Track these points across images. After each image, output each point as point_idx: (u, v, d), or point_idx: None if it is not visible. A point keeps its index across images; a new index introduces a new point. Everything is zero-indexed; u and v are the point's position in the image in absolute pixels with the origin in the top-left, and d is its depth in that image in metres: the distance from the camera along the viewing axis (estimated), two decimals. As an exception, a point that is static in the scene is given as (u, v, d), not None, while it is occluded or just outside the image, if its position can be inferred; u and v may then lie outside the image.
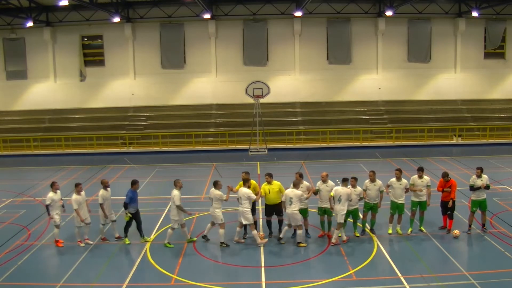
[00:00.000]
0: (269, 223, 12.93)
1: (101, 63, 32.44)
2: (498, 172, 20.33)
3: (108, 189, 12.95)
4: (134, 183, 12.80)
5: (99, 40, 32.41)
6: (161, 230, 13.63)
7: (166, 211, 15.51)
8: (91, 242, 12.46)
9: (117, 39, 31.72)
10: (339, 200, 11.87)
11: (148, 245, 12.38)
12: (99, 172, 22.73)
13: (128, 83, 32.28)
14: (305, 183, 12.64)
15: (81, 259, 11.47)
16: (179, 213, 12.26)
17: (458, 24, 31.43)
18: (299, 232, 12.06)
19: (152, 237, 13.06)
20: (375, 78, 32.34)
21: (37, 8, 29.30)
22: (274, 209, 12.57)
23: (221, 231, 12.24)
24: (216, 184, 12.32)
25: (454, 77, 32.50)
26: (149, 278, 10.52)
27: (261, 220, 13.89)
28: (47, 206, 12.48)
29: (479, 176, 12.63)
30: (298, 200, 11.87)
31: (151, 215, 15.19)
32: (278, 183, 12.59)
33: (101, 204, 12.60)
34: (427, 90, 32.55)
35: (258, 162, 24.37)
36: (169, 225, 12.57)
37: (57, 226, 12.51)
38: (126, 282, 10.19)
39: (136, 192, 12.69)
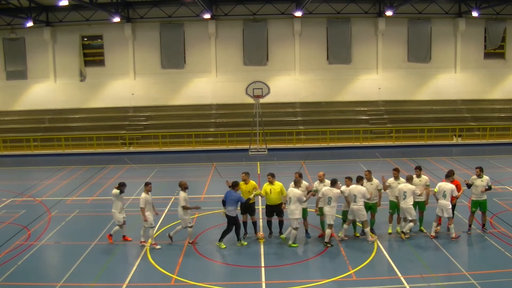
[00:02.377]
0: (269, 224, 12.91)
1: (101, 63, 32.44)
2: (498, 172, 20.33)
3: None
4: (235, 185, 12.28)
5: (99, 40, 32.41)
6: (161, 230, 13.61)
7: (166, 211, 15.51)
8: (158, 247, 12.14)
9: (117, 39, 31.72)
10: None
11: (148, 245, 12.36)
12: (99, 172, 22.74)
13: (128, 83, 32.28)
14: (304, 182, 12.64)
15: (81, 259, 11.47)
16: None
17: (458, 24, 31.44)
18: (293, 232, 12.07)
19: (155, 235, 13.02)
20: (375, 78, 32.35)
21: (37, 8, 29.30)
22: (275, 209, 12.56)
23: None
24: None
25: (454, 77, 32.50)
26: (149, 278, 10.51)
27: (261, 220, 13.88)
28: (142, 209, 12.05)
29: (479, 176, 12.63)
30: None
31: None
32: (280, 184, 12.57)
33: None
34: (427, 90, 32.55)
35: (258, 162, 24.39)
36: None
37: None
38: (126, 282, 10.19)
39: (231, 192, 12.15)
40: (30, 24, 27.46)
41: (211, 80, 32.23)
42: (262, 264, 11.09)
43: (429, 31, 31.86)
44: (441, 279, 9.95)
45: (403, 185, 12.30)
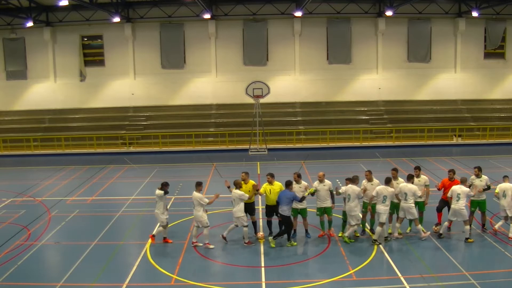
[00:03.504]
0: (269, 224, 12.90)
1: (101, 63, 32.44)
2: (498, 172, 20.25)
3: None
4: (289, 183, 12.21)
5: (99, 40, 32.41)
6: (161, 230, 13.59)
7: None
8: (212, 247, 12.11)
9: (117, 39, 31.71)
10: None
11: (148, 245, 12.37)
12: (99, 172, 22.73)
13: (128, 83, 32.28)
14: (303, 182, 12.63)
15: (81, 259, 11.47)
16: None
17: (458, 24, 31.43)
18: (352, 228, 12.20)
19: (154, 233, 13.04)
20: (375, 78, 32.34)
21: (37, 8, 29.29)
22: (274, 209, 12.54)
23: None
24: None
25: (454, 77, 32.49)
26: (149, 278, 10.51)
27: (261, 220, 13.88)
28: (204, 204, 12.21)
29: (478, 176, 12.63)
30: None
31: (151, 215, 15.13)
32: (279, 184, 12.57)
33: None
34: (427, 90, 32.55)
35: (258, 162, 24.38)
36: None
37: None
38: (126, 282, 10.19)
39: (286, 191, 12.08)
40: (30, 24, 27.45)
41: (211, 80, 32.23)
42: (262, 264, 11.08)
43: (429, 31, 31.86)
44: (441, 279, 9.95)
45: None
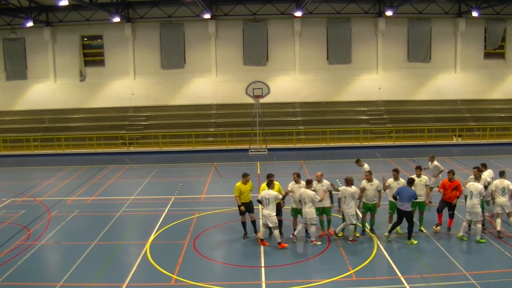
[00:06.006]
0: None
1: (101, 63, 32.45)
2: (498, 172, 20.28)
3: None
4: (411, 181, 12.23)
5: (99, 40, 32.42)
6: (161, 230, 13.62)
7: (166, 211, 15.50)
8: (319, 243, 12.04)
9: (117, 39, 31.72)
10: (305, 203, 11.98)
11: (148, 245, 12.37)
12: (99, 172, 22.73)
13: (128, 83, 32.29)
14: (302, 182, 12.62)
15: (81, 259, 11.46)
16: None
17: (458, 24, 31.44)
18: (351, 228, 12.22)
19: (153, 237, 13.04)
20: (375, 78, 32.35)
21: (37, 8, 29.30)
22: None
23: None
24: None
25: (454, 77, 32.50)
26: (149, 278, 10.51)
27: (261, 220, 13.85)
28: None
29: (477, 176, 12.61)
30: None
31: (151, 215, 15.19)
32: (277, 183, 12.57)
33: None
34: (427, 90, 32.56)
35: (258, 162, 24.38)
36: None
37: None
38: (126, 282, 10.18)
39: (406, 189, 11.94)
40: (30, 24, 27.45)
41: (211, 80, 32.24)
42: (262, 264, 11.08)
43: (429, 31, 31.87)
44: (441, 279, 9.95)
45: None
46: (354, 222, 12.17)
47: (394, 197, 12.08)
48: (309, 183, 12.16)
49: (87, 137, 29.22)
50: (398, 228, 12.72)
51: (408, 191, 11.88)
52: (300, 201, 12.30)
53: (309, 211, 12.00)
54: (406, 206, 11.86)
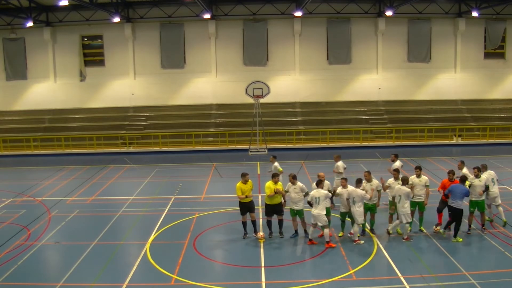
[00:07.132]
0: (269, 223, 12.87)
1: (101, 63, 32.44)
2: (498, 172, 20.23)
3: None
4: (464, 179, 12.25)
5: (99, 40, 32.41)
6: (161, 230, 13.62)
7: (166, 211, 15.51)
8: (362, 242, 12.04)
9: (117, 39, 31.71)
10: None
11: (148, 245, 12.37)
12: (99, 172, 22.73)
13: (128, 83, 32.28)
14: (298, 183, 12.55)
15: (81, 259, 11.46)
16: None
17: (458, 24, 31.43)
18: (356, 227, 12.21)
19: (153, 237, 13.03)
20: (375, 78, 32.34)
21: (37, 8, 29.29)
22: (275, 209, 12.56)
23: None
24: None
25: (454, 77, 32.49)
26: (149, 278, 10.50)
27: (261, 220, 13.87)
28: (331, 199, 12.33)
29: (477, 176, 12.61)
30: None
31: (151, 215, 15.19)
32: (280, 183, 12.57)
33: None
34: (427, 90, 32.54)
35: (258, 162, 24.38)
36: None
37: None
38: (126, 282, 10.18)
39: (459, 186, 11.97)
40: (30, 24, 27.42)
41: (211, 80, 32.23)
42: (262, 264, 11.08)
43: (429, 31, 31.86)
44: (441, 279, 9.95)
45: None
46: (362, 221, 12.16)
47: (446, 195, 12.07)
48: (358, 182, 12.21)
49: (87, 137, 29.20)
50: (398, 228, 12.73)
51: (461, 189, 11.92)
52: (347, 199, 12.21)
53: (358, 210, 11.96)
54: (458, 204, 11.85)
